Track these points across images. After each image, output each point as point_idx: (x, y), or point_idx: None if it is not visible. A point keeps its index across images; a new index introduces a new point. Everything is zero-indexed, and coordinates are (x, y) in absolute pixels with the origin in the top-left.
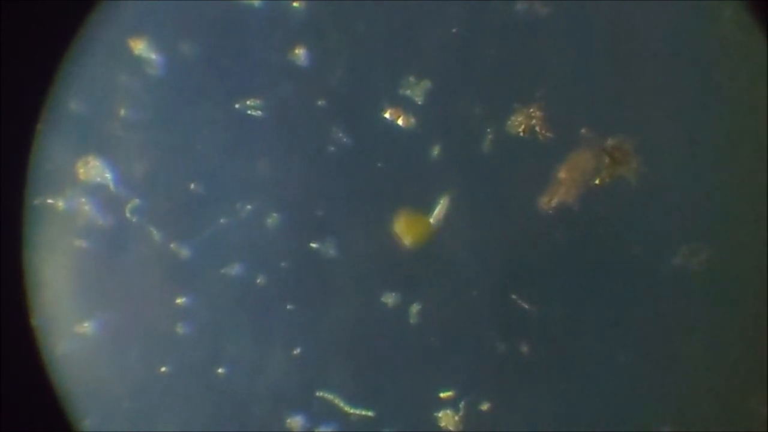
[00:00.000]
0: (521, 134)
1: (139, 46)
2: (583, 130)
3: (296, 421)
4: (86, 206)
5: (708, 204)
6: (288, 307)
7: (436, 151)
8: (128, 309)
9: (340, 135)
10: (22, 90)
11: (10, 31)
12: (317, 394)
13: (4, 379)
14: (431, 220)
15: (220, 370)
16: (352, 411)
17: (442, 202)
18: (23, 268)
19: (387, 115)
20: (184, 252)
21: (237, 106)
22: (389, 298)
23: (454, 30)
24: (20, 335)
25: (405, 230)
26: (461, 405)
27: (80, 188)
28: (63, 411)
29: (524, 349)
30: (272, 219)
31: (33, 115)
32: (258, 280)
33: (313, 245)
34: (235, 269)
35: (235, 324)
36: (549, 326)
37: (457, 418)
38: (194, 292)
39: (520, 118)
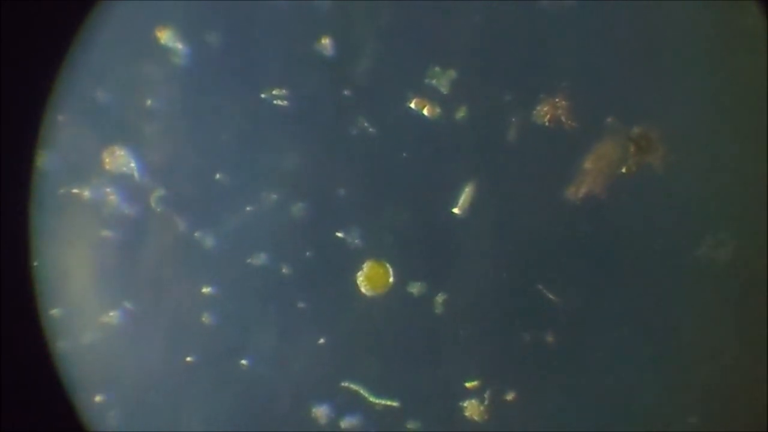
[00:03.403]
0: (547, 124)
1: (165, 36)
2: (608, 120)
3: (321, 411)
4: (112, 196)
5: (735, 194)
6: (313, 296)
7: (461, 141)
8: (154, 299)
9: (366, 125)
10: (45, 82)
11: (33, 20)
12: (342, 384)
13: (27, 371)
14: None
15: (245, 360)
16: (377, 401)
17: (466, 191)
18: (45, 258)
19: (412, 105)
20: (209, 242)
21: (262, 96)
22: (415, 288)
23: (478, 19)
24: (42, 327)
25: (369, 281)
26: (486, 395)
27: (106, 178)
28: (83, 403)
29: (549, 339)
30: (297, 209)
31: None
32: (283, 270)
33: (339, 235)
34: (260, 259)
35: (260, 314)
36: (574, 317)
37: (482, 407)
38: (219, 281)
39: (545, 108)
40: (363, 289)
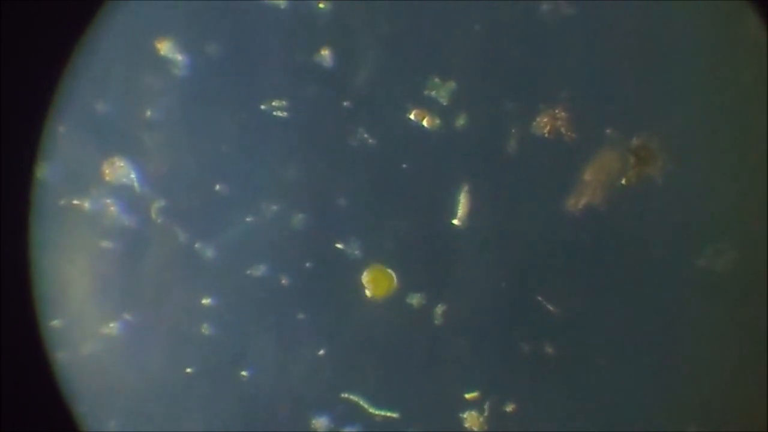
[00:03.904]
0: (546, 135)
1: (165, 47)
2: (608, 131)
3: (321, 422)
4: (112, 207)
5: (735, 203)
6: (312, 307)
7: (461, 152)
8: (153, 310)
9: (365, 136)
10: (46, 93)
11: (33, 30)
12: (342, 395)
13: (27, 381)
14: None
15: (244, 371)
16: (376, 412)
17: (461, 200)
18: (45, 269)
19: (412, 116)
20: (209, 253)
21: (262, 107)
22: (414, 299)
23: (478, 30)
24: (41, 338)
25: (373, 285)
26: (486, 406)
27: (106, 189)
28: (83, 414)
29: (549, 350)
30: (297, 220)
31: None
32: (283, 281)
33: (339, 246)
34: (260, 270)
35: (259, 325)
36: (574, 327)
37: (481, 419)
38: (219, 292)
39: (545, 119)
40: (368, 293)
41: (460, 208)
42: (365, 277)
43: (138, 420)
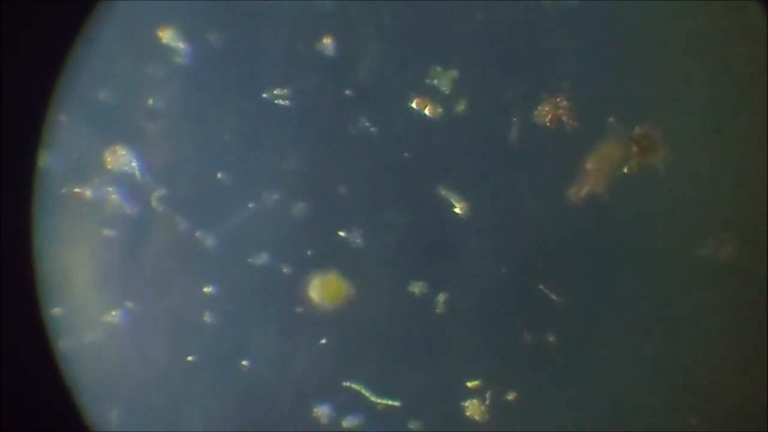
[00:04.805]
0: (548, 124)
1: (167, 36)
2: (610, 120)
3: (323, 410)
4: (113, 195)
5: (736, 194)
6: (314, 296)
7: (462, 141)
8: (155, 298)
9: (367, 124)
10: (48, 82)
11: (35, 20)
12: (344, 384)
13: (29, 370)
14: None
15: (246, 360)
16: (378, 401)
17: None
18: (47, 258)
19: (414, 105)
20: (211, 241)
21: (264, 95)
22: (416, 288)
23: (480, 19)
24: (43, 326)
25: (324, 293)
26: (488, 394)
27: (107, 177)
28: (85, 402)
29: (551, 339)
30: (298, 208)
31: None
32: (284, 270)
33: (341, 234)
34: (261, 258)
35: (261, 313)
36: (576, 317)
37: (483, 407)
38: (221, 281)
39: (547, 108)
40: (317, 298)
41: (452, 198)
42: (316, 286)
43: (139, 407)
